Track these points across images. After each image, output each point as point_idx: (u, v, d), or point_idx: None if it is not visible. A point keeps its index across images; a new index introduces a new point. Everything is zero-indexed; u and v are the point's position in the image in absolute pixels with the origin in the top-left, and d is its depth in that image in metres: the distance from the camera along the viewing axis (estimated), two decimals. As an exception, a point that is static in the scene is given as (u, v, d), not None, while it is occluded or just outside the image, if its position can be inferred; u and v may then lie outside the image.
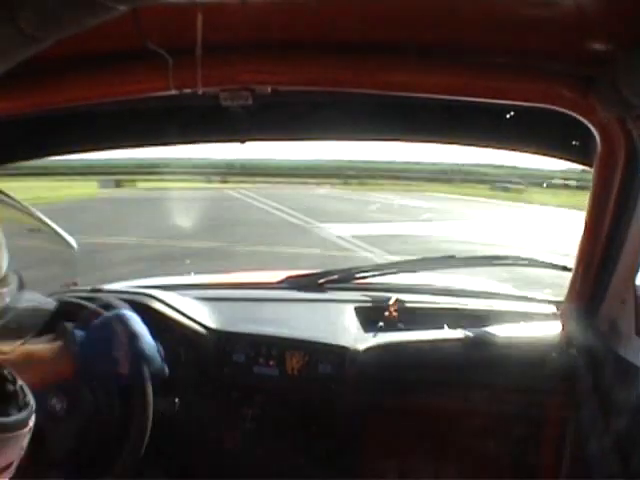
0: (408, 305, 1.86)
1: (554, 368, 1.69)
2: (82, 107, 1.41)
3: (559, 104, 1.34)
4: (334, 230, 10.90)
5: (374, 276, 2.03)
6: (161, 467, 1.64)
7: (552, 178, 10.11)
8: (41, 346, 1.26)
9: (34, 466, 1.16)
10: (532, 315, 1.85)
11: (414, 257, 2.19)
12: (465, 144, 1.67)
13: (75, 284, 1.92)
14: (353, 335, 1.75)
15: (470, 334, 1.77)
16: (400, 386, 1.72)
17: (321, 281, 2.03)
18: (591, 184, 1.53)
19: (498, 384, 1.71)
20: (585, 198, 1.56)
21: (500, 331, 1.78)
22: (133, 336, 1.34)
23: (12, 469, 0.82)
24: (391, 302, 1.81)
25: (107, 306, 1.49)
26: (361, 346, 1.70)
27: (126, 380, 1.34)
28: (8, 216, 0.94)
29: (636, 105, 1.13)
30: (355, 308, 1.87)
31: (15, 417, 0.82)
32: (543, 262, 1.98)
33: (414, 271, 2.15)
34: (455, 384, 1.73)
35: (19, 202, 0.96)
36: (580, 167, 1.60)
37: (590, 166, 1.51)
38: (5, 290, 0.83)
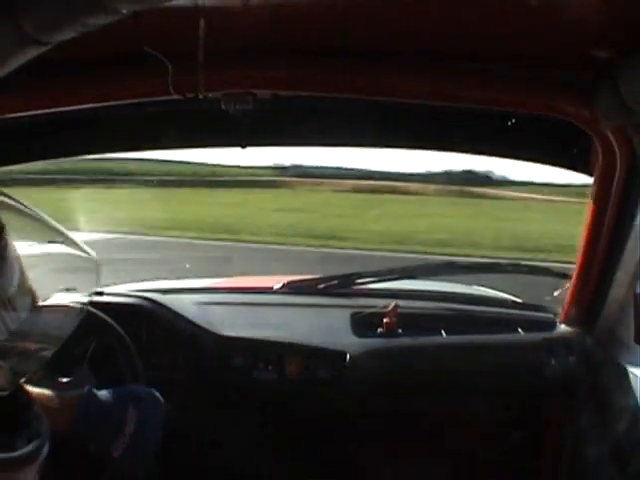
0: (407, 311, 1.85)
1: (553, 375, 1.69)
2: (82, 110, 1.41)
3: (559, 112, 1.34)
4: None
5: (373, 282, 2.03)
6: (159, 471, 1.63)
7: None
8: (52, 395, 1.16)
9: None
10: (531, 322, 1.85)
11: (414, 264, 2.19)
12: (465, 152, 1.67)
13: (74, 288, 1.91)
14: (352, 340, 1.75)
15: (469, 340, 1.76)
16: (399, 391, 1.72)
17: (321, 286, 2.03)
18: (590, 192, 1.53)
19: (497, 390, 1.71)
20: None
21: (499, 338, 1.78)
22: (141, 426, 1.23)
23: None
24: (390, 308, 1.81)
25: (108, 310, 1.48)
26: (360, 351, 1.70)
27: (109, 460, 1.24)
28: (22, 226, 0.89)
29: (636, 113, 1.13)
30: (354, 313, 1.87)
31: (21, 451, 0.75)
32: (543, 269, 1.99)
33: (413, 277, 2.15)
34: (454, 390, 1.73)
35: (35, 211, 0.92)
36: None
37: (590, 175, 1.51)
38: (13, 313, 0.77)
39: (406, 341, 1.77)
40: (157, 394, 1.32)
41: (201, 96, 1.25)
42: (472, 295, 2.13)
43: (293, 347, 1.72)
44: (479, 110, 1.41)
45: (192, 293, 2.02)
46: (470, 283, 2.28)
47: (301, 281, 2.09)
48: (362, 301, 1.96)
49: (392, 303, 1.82)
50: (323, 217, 9.83)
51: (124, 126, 1.56)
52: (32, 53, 0.72)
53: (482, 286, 2.29)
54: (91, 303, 1.61)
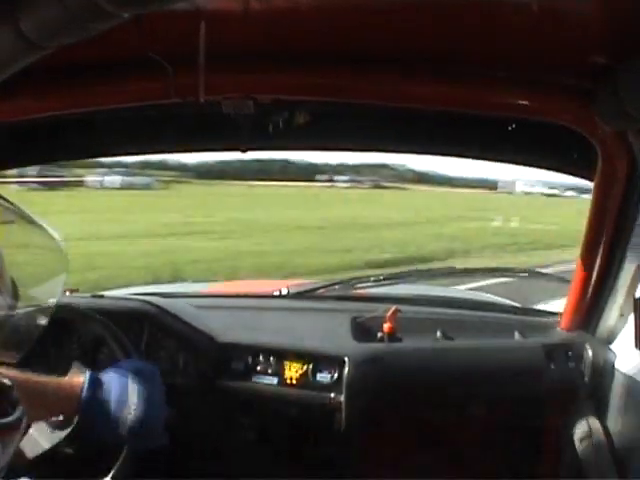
0: (407, 316, 1.85)
1: (553, 380, 1.68)
2: (83, 113, 1.41)
3: (560, 117, 1.34)
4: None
5: (373, 287, 2.03)
6: (159, 475, 1.63)
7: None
8: (54, 381, 1.19)
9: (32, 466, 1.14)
10: (531, 326, 1.84)
11: (412, 268, 2.20)
12: (465, 156, 1.67)
13: (77, 290, 1.92)
14: (352, 345, 1.75)
15: (469, 345, 1.76)
16: (398, 396, 1.72)
17: (321, 291, 2.03)
18: (591, 196, 1.53)
19: (497, 395, 1.71)
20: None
21: (499, 342, 1.78)
22: (144, 400, 1.25)
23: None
24: (390, 313, 1.81)
25: (109, 314, 1.48)
26: (360, 356, 1.70)
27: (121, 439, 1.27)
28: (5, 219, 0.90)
29: (637, 118, 1.13)
30: (354, 318, 1.86)
31: (12, 417, 0.80)
32: (543, 274, 1.99)
33: (413, 282, 2.15)
34: (454, 394, 1.73)
35: (11, 202, 0.91)
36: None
37: (590, 180, 1.51)
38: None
39: (406, 346, 1.77)
40: (153, 366, 1.35)
41: (202, 100, 1.26)
42: (472, 300, 2.13)
43: (293, 352, 1.72)
44: (478, 115, 1.41)
45: (192, 298, 2.02)
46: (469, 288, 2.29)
47: (301, 286, 2.09)
48: (362, 306, 1.95)
49: (392, 308, 1.81)
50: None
51: (125, 129, 1.57)
52: (33, 57, 0.72)
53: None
54: (91, 306, 1.62)
